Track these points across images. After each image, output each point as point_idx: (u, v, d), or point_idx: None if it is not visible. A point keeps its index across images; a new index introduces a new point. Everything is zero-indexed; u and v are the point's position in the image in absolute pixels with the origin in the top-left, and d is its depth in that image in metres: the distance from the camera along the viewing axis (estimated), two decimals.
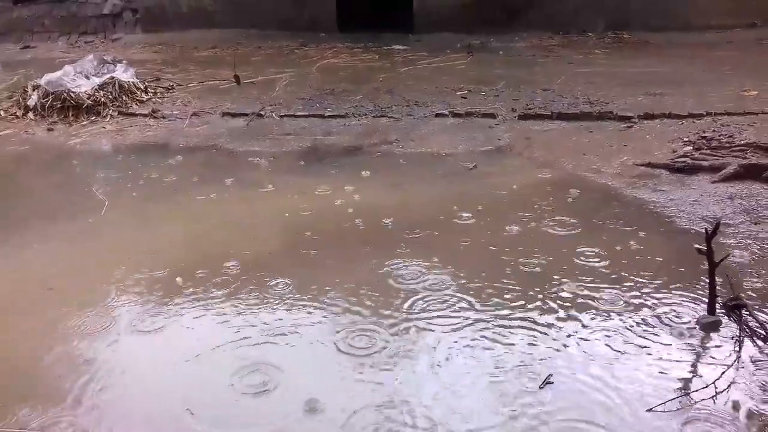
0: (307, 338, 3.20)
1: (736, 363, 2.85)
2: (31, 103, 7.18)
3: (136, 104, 7.39)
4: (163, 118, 7.04)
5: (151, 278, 3.80)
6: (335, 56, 9.46)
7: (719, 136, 5.46)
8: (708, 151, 5.17)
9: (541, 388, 2.78)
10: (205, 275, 3.79)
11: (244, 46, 10.26)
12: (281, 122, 6.71)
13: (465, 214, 4.40)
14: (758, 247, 3.85)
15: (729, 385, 2.72)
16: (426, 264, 3.80)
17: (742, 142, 5.24)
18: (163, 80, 8.28)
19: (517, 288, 3.52)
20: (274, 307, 3.47)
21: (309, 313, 3.41)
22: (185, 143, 6.29)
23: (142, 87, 7.70)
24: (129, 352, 3.19)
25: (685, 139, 5.51)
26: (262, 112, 6.94)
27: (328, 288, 3.60)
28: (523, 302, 3.40)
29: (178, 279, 3.76)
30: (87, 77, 7.44)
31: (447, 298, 3.46)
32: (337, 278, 3.69)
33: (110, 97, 7.30)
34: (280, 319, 3.35)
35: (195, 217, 4.64)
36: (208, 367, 3.04)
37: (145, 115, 7.11)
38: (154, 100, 7.60)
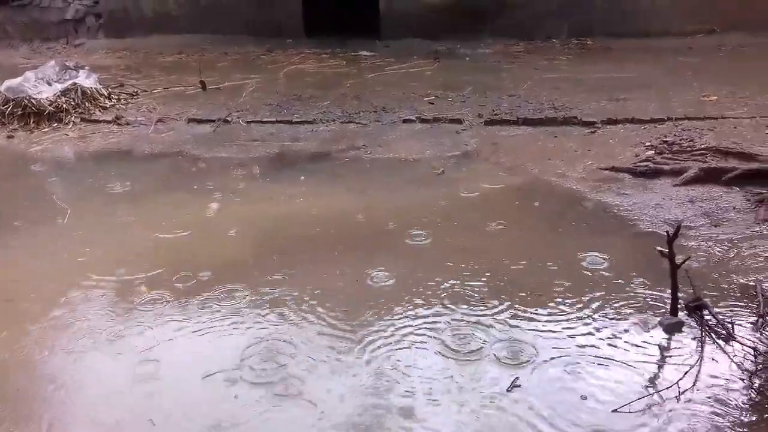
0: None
1: (698, 363, 2.91)
2: None
3: (100, 111, 7.28)
4: (128, 124, 6.94)
5: (115, 288, 3.74)
6: (302, 62, 9.44)
7: (680, 140, 5.58)
8: (669, 156, 5.28)
9: (509, 391, 2.81)
10: (171, 283, 3.74)
11: (209, 52, 10.18)
12: (248, 128, 6.66)
13: (434, 218, 4.42)
14: (718, 248, 3.93)
15: (692, 385, 2.77)
16: (396, 265, 3.81)
17: (703, 146, 5.36)
18: (127, 86, 8.17)
19: (484, 289, 3.54)
20: (243, 312, 3.45)
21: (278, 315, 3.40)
22: (150, 150, 6.21)
23: (105, 93, 7.58)
24: (89, 365, 3.13)
25: (648, 144, 5.62)
26: (228, 118, 6.88)
27: (296, 293, 3.58)
28: (494, 303, 3.42)
29: (143, 288, 3.71)
30: (49, 83, 7.30)
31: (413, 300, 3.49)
32: (305, 282, 3.67)
33: (73, 103, 7.17)
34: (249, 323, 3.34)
35: (160, 225, 4.56)
36: (173, 377, 3.00)
37: (108, 122, 7.00)
38: (117, 106, 7.49)
